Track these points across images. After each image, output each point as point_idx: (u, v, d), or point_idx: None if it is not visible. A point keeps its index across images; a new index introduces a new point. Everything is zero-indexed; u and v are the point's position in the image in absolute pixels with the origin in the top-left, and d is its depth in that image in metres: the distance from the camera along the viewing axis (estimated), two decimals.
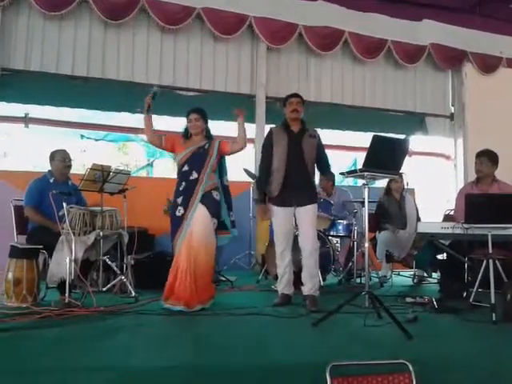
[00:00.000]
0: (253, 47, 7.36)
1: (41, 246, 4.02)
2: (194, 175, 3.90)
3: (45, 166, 4.66)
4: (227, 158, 4.19)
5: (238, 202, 6.34)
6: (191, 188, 3.87)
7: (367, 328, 3.18)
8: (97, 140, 7.44)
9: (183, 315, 3.56)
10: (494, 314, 3.42)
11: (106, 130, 7.40)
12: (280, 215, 4.08)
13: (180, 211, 3.84)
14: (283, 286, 4.13)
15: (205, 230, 3.84)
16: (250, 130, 7.27)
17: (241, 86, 7.27)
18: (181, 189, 3.90)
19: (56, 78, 6.42)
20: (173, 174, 4.13)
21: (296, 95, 4.23)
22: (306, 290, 4.02)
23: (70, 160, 4.55)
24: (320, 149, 4.16)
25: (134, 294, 4.08)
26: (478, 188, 4.58)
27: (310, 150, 4.07)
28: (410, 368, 2.18)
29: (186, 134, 4.08)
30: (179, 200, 3.87)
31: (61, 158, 4.48)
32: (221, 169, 4.12)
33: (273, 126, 7.26)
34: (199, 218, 3.82)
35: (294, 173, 4.00)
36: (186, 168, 3.93)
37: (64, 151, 4.55)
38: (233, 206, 4.22)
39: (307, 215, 4.05)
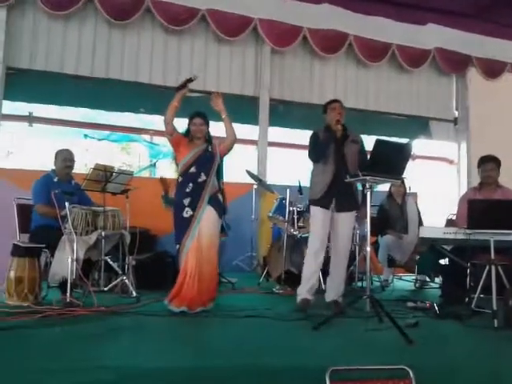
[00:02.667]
0: (257, 49, 7.35)
1: (43, 245, 4.02)
2: (203, 177, 3.89)
3: (48, 165, 4.67)
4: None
5: (240, 203, 6.40)
6: (200, 190, 3.85)
7: (368, 332, 3.17)
8: (100, 140, 7.45)
9: (184, 316, 3.55)
10: (495, 321, 3.41)
11: (110, 129, 7.41)
12: (319, 217, 4.02)
13: (188, 212, 3.80)
14: (307, 290, 3.98)
15: (213, 232, 3.86)
16: (254, 131, 7.29)
17: (245, 87, 7.26)
18: (188, 190, 3.86)
19: (60, 78, 6.42)
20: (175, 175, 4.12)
21: (337, 101, 4.21)
22: (331, 296, 4.02)
23: (71, 161, 4.55)
24: (362, 154, 4.08)
25: (135, 294, 4.09)
26: (482, 194, 4.57)
27: (353, 155, 4.02)
28: (411, 374, 2.18)
29: (188, 136, 4.06)
30: (186, 201, 3.83)
31: (62, 158, 4.50)
32: (218, 171, 4.09)
33: (275, 127, 7.37)
34: (208, 220, 3.82)
35: (339, 178, 3.92)
36: (193, 170, 3.91)
37: (67, 151, 4.56)
38: (227, 210, 4.22)
39: (346, 222, 4.03)
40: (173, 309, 3.64)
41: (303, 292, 4.01)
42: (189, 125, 4.07)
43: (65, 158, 4.51)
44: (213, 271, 3.83)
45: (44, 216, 4.27)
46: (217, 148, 4.05)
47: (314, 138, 4.13)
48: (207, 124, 4.09)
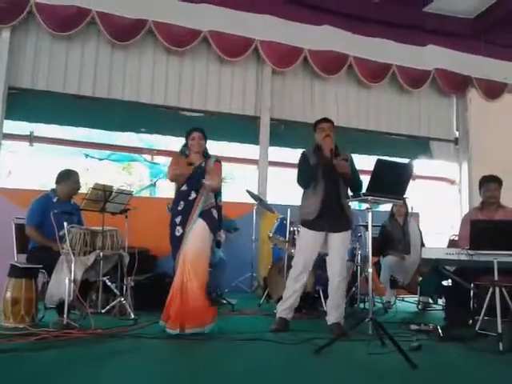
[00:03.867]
0: (258, 70, 7.40)
1: (40, 266, 3.98)
2: (193, 195, 3.84)
3: (48, 185, 4.65)
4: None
5: (240, 223, 6.35)
6: (189, 207, 3.81)
7: (370, 356, 3.10)
8: (101, 159, 7.46)
9: (182, 339, 3.48)
10: (500, 344, 3.34)
11: (111, 149, 7.42)
12: (309, 238, 3.99)
13: (179, 231, 3.77)
14: (284, 309, 4.04)
15: (201, 243, 3.75)
16: (254, 151, 7.30)
17: (245, 107, 7.29)
18: (179, 208, 3.84)
19: (62, 98, 6.45)
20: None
21: (327, 120, 4.13)
22: (332, 318, 3.93)
23: (79, 183, 4.57)
24: (353, 172, 4.04)
25: (133, 316, 4.02)
26: (484, 214, 4.54)
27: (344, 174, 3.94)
28: None
29: (184, 153, 4.03)
30: (177, 220, 3.80)
31: (76, 180, 4.50)
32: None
33: (276, 147, 7.38)
34: (197, 233, 3.75)
35: (330, 198, 3.90)
36: (184, 188, 3.88)
37: (78, 174, 4.56)
38: (222, 226, 4.17)
39: (338, 243, 3.98)
40: (169, 332, 3.56)
41: (279, 311, 4.05)
42: (187, 140, 4.03)
43: (76, 181, 4.51)
44: (197, 289, 3.65)
45: (31, 238, 4.25)
46: (210, 166, 3.96)
47: (303, 160, 4.08)
48: (205, 139, 4.05)
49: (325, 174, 3.96)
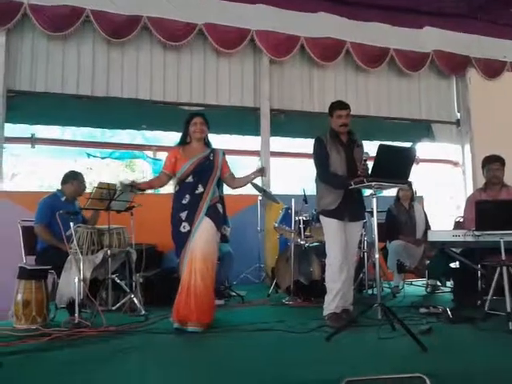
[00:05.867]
0: (255, 60, 7.38)
1: (49, 267, 4.01)
2: (200, 189, 3.70)
3: (53, 186, 4.67)
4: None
5: (245, 215, 6.38)
6: (197, 202, 3.67)
7: (381, 341, 3.12)
8: (103, 158, 7.45)
9: (193, 333, 3.50)
10: (510, 323, 3.36)
11: (112, 147, 7.42)
12: (336, 228, 3.84)
13: (185, 227, 3.65)
14: (337, 302, 3.80)
15: (208, 243, 3.64)
16: (255, 142, 7.29)
17: (245, 99, 7.28)
18: (184, 202, 3.69)
19: (61, 98, 6.45)
20: None
21: (345, 106, 3.97)
22: (340, 304, 3.86)
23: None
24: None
25: (143, 312, 4.05)
26: (487, 194, 4.53)
27: (360, 160, 3.80)
28: (427, 382, 2.14)
29: (184, 141, 3.87)
30: (183, 215, 3.67)
31: (82, 180, 4.54)
32: (218, 180, 3.89)
33: (277, 137, 7.35)
34: (204, 231, 3.64)
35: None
36: (190, 179, 3.73)
37: (82, 174, 4.61)
38: (228, 220, 4.11)
39: (356, 231, 3.98)
40: (179, 327, 3.57)
41: (332, 308, 3.82)
42: (187, 126, 3.84)
43: (82, 181, 4.56)
44: (207, 287, 3.61)
45: (40, 237, 4.28)
46: (219, 158, 3.85)
47: (319, 147, 3.93)
48: (207, 124, 3.87)
49: (345, 161, 3.88)
